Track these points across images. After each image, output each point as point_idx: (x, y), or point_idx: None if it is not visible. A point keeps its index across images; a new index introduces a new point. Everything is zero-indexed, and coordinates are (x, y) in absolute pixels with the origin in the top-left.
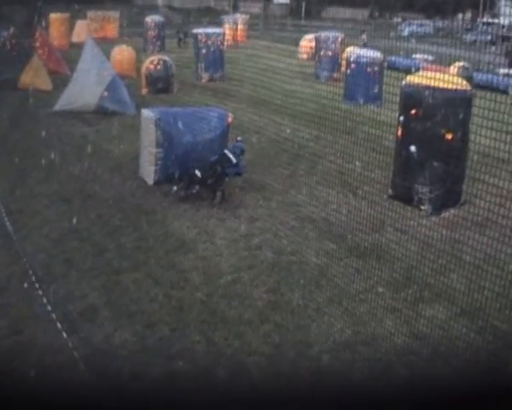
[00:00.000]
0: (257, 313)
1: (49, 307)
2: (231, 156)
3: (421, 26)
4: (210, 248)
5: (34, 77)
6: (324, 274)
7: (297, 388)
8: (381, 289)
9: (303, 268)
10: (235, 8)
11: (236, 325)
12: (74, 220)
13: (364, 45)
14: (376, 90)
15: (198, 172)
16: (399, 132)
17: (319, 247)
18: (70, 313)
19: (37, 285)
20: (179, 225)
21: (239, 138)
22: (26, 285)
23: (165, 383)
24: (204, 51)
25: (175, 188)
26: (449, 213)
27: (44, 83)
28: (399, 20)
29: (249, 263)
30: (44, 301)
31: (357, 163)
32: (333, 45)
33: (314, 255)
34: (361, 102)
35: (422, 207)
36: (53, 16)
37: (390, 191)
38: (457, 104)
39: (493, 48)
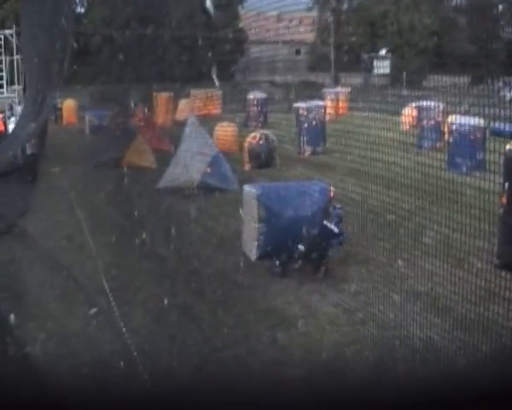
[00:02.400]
0: (358, 390)
1: (148, 383)
2: (333, 227)
3: None
4: (312, 324)
5: (138, 155)
6: (429, 349)
7: None
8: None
9: (407, 343)
10: (336, 81)
11: (337, 403)
12: (176, 296)
13: (466, 113)
14: (480, 158)
15: (301, 247)
16: (504, 200)
17: (424, 321)
18: (168, 391)
19: (137, 360)
20: (281, 300)
21: (338, 206)
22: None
23: None
24: (306, 125)
25: (277, 263)
26: None
27: (148, 160)
28: (501, 84)
29: (352, 338)
30: (146, 377)
31: (461, 233)
32: (435, 114)
33: (419, 329)
34: (464, 169)
35: None
36: (156, 95)
37: (497, 260)
38: None
39: None
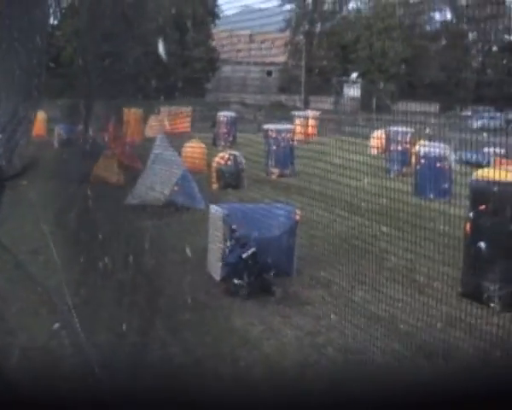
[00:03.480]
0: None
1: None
2: (245, 253)
3: (491, 118)
4: (274, 346)
5: (106, 171)
6: (390, 373)
7: None
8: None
9: (368, 367)
10: (306, 104)
11: None
12: (139, 316)
13: (430, 139)
14: (446, 185)
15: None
16: (468, 228)
17: (386, 346)
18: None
19: (100, 376)
20: (244, 321)
21: (234, 227)
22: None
23: None
24: (274, 147)
25: (240, 283)
26: None
27: (116, 177)
28: (469, 113)
29: (314, 360)
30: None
31: (426, 259)
32: (403, 140)
33: (380, 354)
34: (431, 196)
35: (492, 305)
36: (126, 111)
37: (460, 288)
38: None
39: None
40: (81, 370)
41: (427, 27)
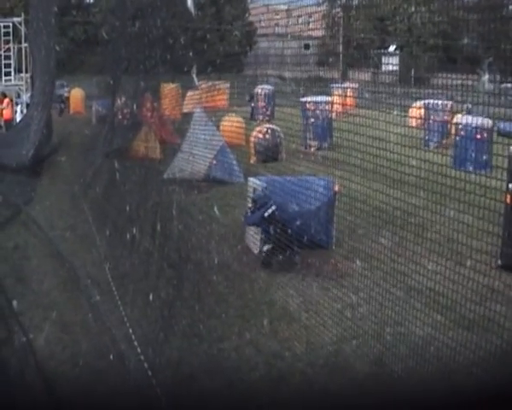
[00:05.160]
0: (357, 386)
1: (149, 373)
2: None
3: None
4: (313, 318)
5: (144, 146)
6: (429, 346)
7: None
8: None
9: (408, 340)
10: (344, 77)
11: (336, 397)
12: (180, 287)
13: (469, 112)
14: (486, 157)
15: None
16: (508, 200)
17: (425, 318)
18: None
19: (138, 350)
20: (283, 293)
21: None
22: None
23: None
24: (312, 120)
25: (280, 256)
26: None
27: (154, 151)
28: (509, 85)
29: (352, 334)
30: (146, 366)
31: (465, 231)
32: (442, 112)
33: (419, 327)
34: (470, 168)
35: None
36: (164, 86)
37: (499, 261)
38: None
39: None
40: (118, 345)
41: None
